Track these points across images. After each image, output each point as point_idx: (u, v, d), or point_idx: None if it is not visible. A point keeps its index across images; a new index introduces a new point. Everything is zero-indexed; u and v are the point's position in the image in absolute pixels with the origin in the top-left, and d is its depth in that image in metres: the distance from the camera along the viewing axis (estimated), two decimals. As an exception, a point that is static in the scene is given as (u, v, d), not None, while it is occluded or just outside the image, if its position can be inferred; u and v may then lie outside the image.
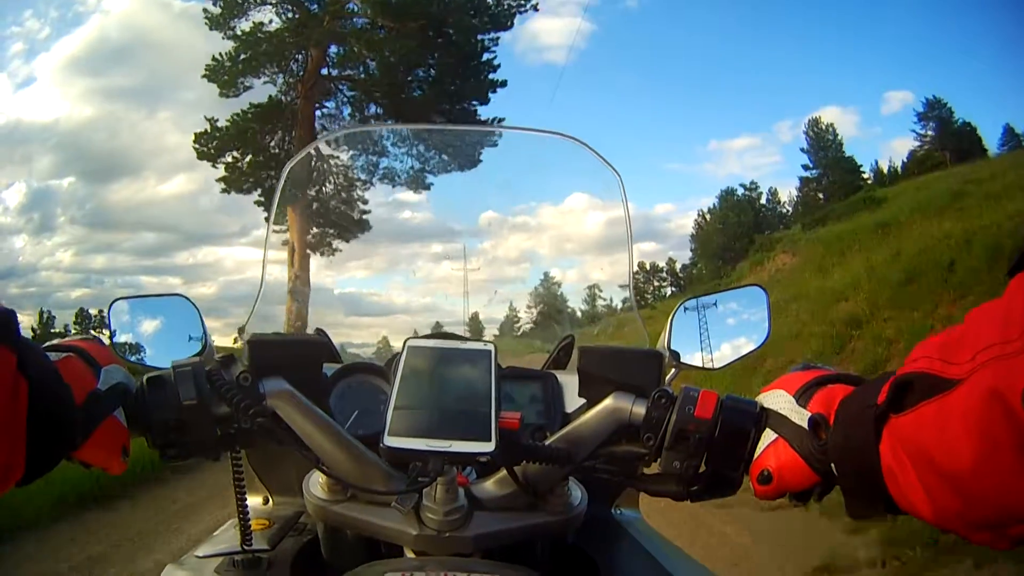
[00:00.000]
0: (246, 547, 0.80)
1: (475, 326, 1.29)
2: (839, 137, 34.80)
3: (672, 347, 0.81)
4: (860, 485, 0.54)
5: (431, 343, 0.70)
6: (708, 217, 36.68)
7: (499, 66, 17.07)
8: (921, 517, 0.50)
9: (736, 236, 32.10)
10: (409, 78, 16.74)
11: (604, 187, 1.03)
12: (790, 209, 35.82)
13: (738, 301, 0.85)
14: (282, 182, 1.01)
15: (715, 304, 0.84)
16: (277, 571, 0.79)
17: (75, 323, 35.73)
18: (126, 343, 0.87)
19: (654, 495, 0.68)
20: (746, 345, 0.83)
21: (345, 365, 0.94)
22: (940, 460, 0.46)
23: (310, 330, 1.12)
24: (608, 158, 1.02)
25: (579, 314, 1.54)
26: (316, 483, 0.72)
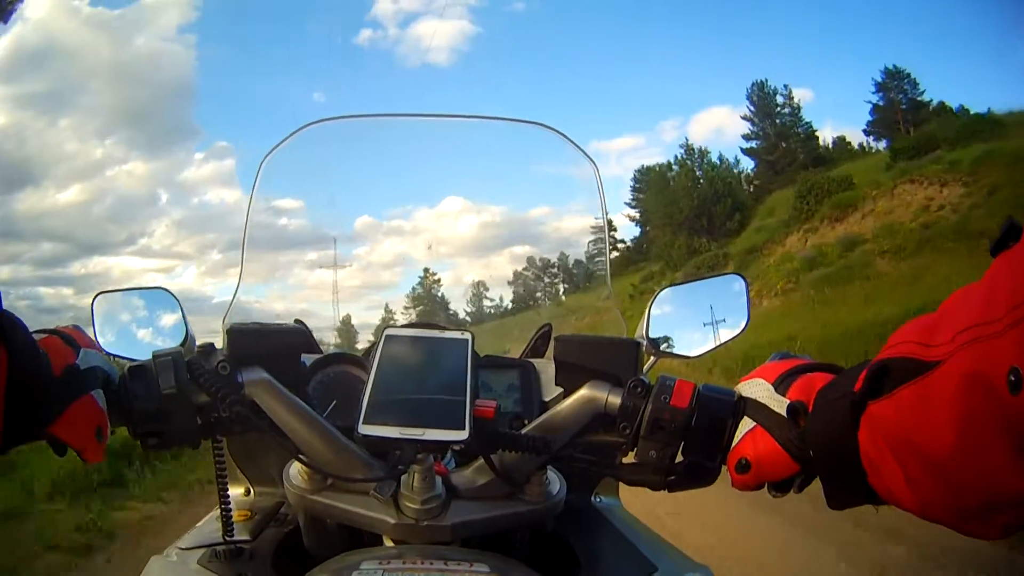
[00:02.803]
0: (228, 538, 0.80)
1: (348, 332, 1.29)
2: (795, 101, 30.45)
3: (651, 336, 0.82)
4: (839, 474, 0.54)
5: (409, 332, 0.70)
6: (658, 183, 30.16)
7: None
8: (904, 507, 0.50)
9: (712, 199, 26.29)
10: None
11: (576, 175, 1.03)
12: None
13: (717, 288, 0.85)
14: (259, 174, 1.01)
15: (693, 292, 0.84)
16: (259, 561, 0.79)
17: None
18: (108, 336, 0.87)
19: (631, 484, 0.68)
20: (726, 333, 0.83)
21: (324, 355, 0.94)
22: (921, 446, 0.45)
23: None
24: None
25: (464, 314, 1.54)
26: (296, 473, 0.73)
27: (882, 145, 27.27)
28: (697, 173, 27.78)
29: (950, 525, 0.48)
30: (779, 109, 29.93)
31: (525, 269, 1.61)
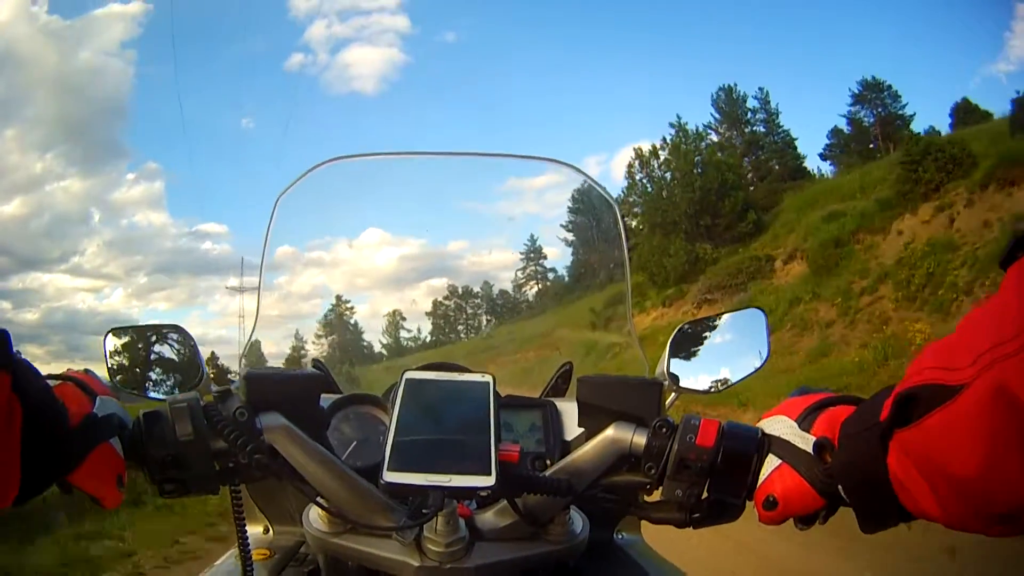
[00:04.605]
0: None
1: (253, 359, 1.27)
2: (773, 106, 25.09)
3: (671, 371, 0.81)
4: (871, 502, 0.55)
5: (429, 375, 0.69)
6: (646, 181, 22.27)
7: None
8: (934, 520, 0.51)
9: (718, 192, 19.07)
10: None
11: (596, 214, 1.04)
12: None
13: (737, 323, 0.85)
14: (274, 212, 1.00)
15: (713, 326, 0.84)
16: None
17: None
18: (121, 374, 0.86)
19: (656, 523, 0.68)
20: (745, 368, 0.83)
21: (342, 396, 0.93)
22: (951, 467, 0.46)
23: None
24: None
25: (379, 346, 1.52)
26: (316, 516, 0.72)
27: (828, 169, 24.31)
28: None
29: (978, 531, 0.49)
30: (751, 116, 25.45)
31: (447, 298, 1.63)
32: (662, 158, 21.76)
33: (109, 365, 0.86)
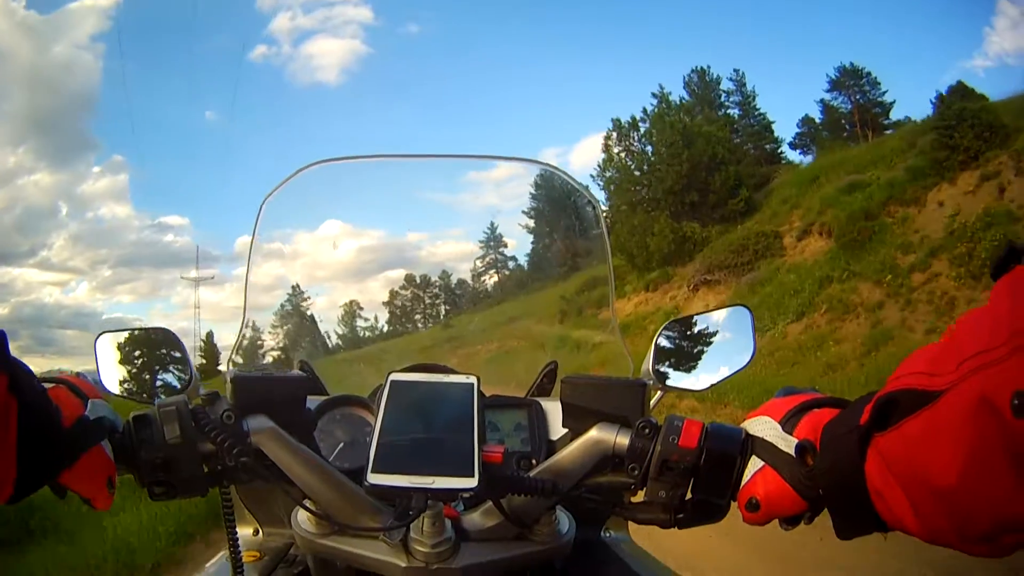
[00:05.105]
0: None
1: (209, 349, 1.26)
2: (749, 89, 23.43)
3: (656, 369, 0.81)
4: (848, 507, 0.54)
5: (413, 377, 0.70)
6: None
7: None
8: (911, 534, 0.50)
9: (708, 167, 17.22)
10: None
11: (578, 213, 1.04)
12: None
13: (722, 321, 0.85)
14: (260, 214, 1.00)
15: (699, 325, 0.84)
16: None
17: None
18: (112, 377, 0.86)
19: (640, 523, 0.68)
20: (731, 365, 0.82)
21: (329, 398, 0.93)
22: (928, 476, 0.45)
23: None
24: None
25: (333, 337, 1.53)
26: (304, 518, 0.73)
27: (798, 158, 22.73)
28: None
29: (958, 548, 0.48)
30: (725, 99, 23.79)
31: (404, 288, 1.64)
32: (642, 131, 19.50)
33: (100, 368, 0.86)
